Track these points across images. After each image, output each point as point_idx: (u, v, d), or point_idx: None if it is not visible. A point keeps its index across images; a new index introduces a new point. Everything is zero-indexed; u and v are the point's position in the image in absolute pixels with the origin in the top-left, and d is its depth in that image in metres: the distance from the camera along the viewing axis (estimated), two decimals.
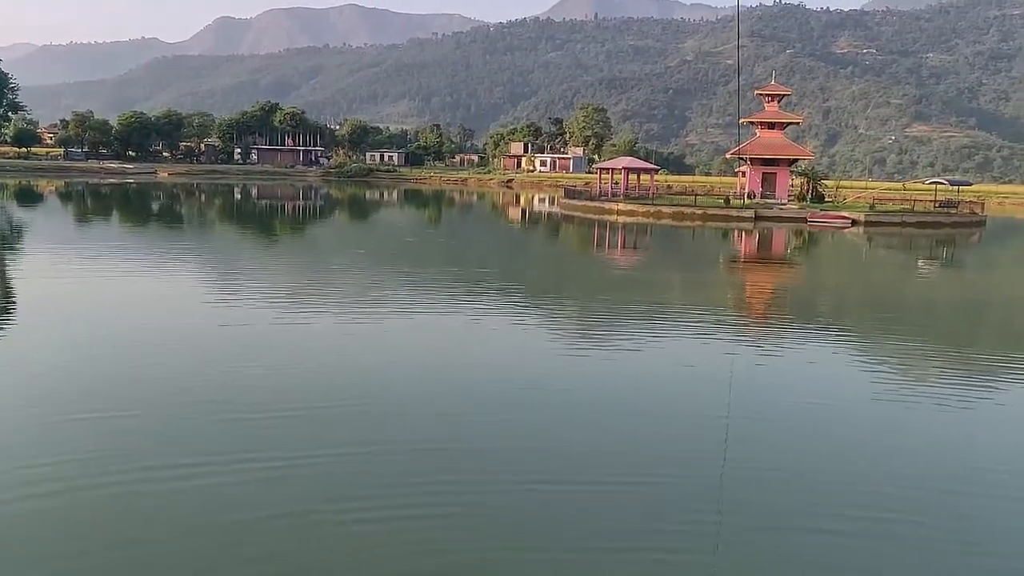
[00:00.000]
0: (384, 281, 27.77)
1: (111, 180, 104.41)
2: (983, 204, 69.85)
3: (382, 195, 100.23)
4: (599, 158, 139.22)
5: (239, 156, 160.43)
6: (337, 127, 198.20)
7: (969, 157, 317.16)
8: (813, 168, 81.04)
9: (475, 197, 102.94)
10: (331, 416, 12.39)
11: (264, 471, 10.09)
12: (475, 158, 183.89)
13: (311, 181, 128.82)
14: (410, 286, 26.55)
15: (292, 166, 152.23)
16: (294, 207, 73.95)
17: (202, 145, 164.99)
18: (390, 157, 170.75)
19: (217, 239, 44.80)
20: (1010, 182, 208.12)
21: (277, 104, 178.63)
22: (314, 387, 13.89)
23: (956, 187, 73.43)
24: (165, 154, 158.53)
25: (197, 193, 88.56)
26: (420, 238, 50.17)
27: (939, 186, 74.28)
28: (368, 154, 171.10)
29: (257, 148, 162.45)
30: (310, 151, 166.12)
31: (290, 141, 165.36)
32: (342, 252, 38.76)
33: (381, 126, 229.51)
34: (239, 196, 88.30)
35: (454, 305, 22.80)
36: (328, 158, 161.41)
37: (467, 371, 15.67)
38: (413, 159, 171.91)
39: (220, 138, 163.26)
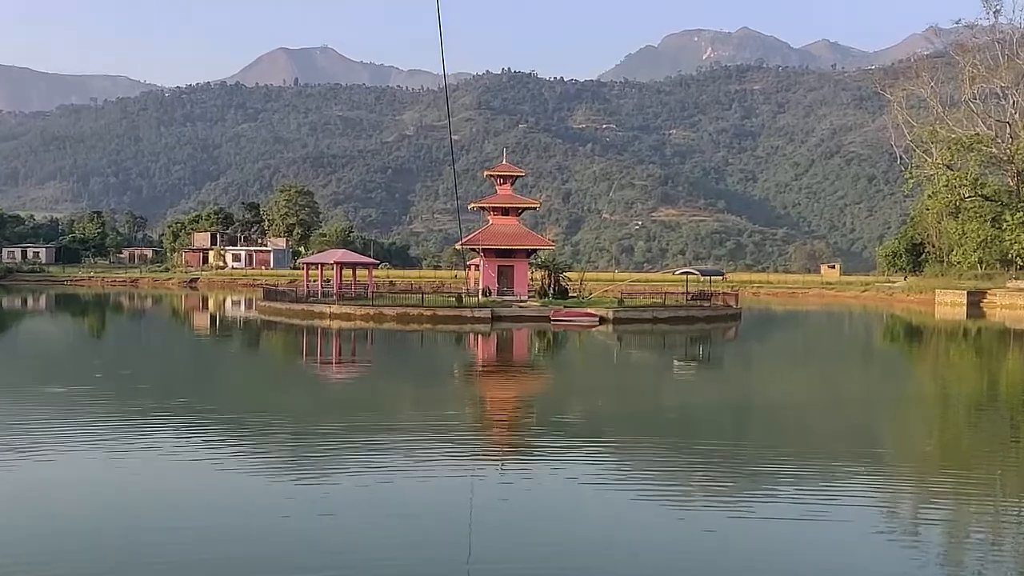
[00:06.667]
0: (33, 415, 26.11)
1: None
2: (737, 296, 76.20)
3: (25, 302, 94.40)
4: (306, 251, 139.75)
5: None
6: None
7: (720, 243, 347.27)
8: (555, 259, 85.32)
9: (150, 301, 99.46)
10: None
11: None
12: (149, 253, 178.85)
13: None
14: (72, 418, 25.18)
15: None
16: None
17: None
18: (36, 254, 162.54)
19: None
20: (764, 270, 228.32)
21: None
22: None
23: (708, 277, 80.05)
24: None
25: None
26: (78, 357, 47.65)
27: (690, 277, 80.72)
28: (7, 250, 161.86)
29: None
30: None
31: None
32: None
33: (23, 214, 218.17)
34: None
35: (130, 439, 21.89)
36: None
37: (160, 516, 15.13)
38: (67, 255, 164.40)
39: None
